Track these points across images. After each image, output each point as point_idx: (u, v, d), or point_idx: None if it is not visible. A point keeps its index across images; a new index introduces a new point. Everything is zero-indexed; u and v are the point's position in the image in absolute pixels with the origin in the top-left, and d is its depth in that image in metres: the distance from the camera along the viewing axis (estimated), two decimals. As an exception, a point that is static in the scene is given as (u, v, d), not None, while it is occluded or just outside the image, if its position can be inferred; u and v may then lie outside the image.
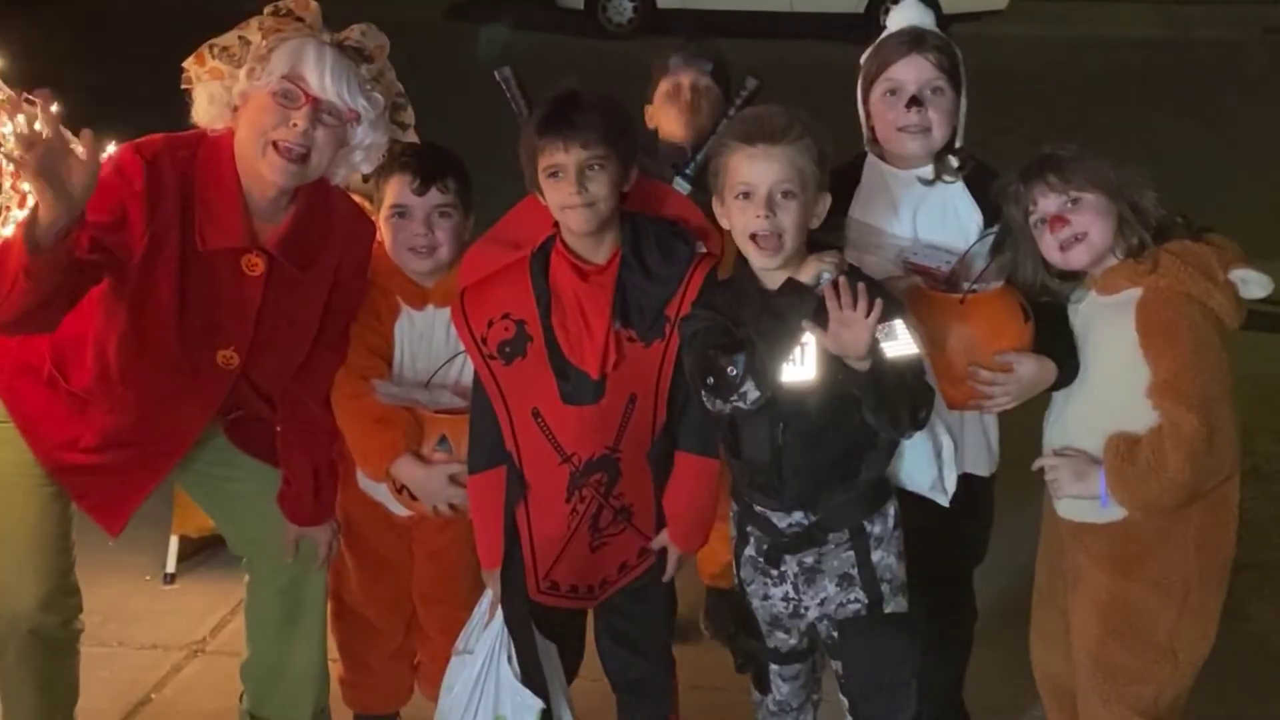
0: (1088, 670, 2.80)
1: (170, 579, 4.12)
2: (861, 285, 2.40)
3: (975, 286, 2.72)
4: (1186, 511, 2.65)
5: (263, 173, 2.62)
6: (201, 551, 4.14)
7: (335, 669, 3.20)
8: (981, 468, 2.95)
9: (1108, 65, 12.82)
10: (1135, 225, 2.64)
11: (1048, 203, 2.66)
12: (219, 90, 2.65)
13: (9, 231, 3.26)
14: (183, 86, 2.69)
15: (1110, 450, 2.63)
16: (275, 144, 2.59)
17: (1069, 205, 2.65)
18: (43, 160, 2.27)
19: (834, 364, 2.48)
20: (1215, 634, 2.76)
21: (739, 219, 2.53)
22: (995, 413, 2.86)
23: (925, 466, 2.72)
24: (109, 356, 2.66)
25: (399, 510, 2.98)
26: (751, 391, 2.50)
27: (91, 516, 2.85)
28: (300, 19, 2.66)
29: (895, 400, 2.46)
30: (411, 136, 2.87)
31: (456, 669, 2.86)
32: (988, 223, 2.82)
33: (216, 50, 2.65)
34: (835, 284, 2.40)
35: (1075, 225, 2.64)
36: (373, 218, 2.97)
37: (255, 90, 2.61)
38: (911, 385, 2.48)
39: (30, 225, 2.33)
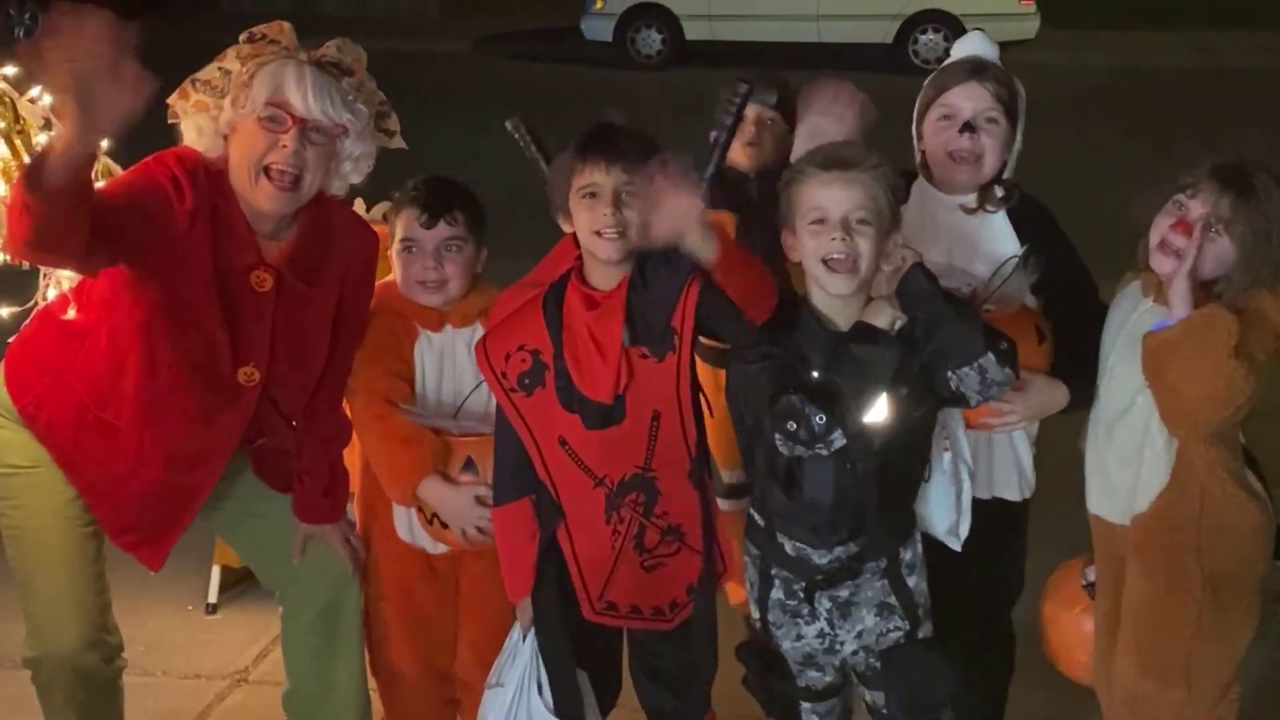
0: (1116, 704, 2.84)
1: (212, 609, 4.15)
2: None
3: (990, 307, 2.74)
4: (1211, 535, 2.66)
5: (259, 202, 2.68)
6: (243, 582, 4.17)
7: (375, 699, 3.20)
8: (1012, 492, 2.93)
9: (1136, 93, 12.81)
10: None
11: (1200, 209, 2.58)
12: (206, 122, 2.70)
13: None
14: (169, 121, 2.74)
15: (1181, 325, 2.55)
16: (268, 170, 2.65)
17: (1209, 229, 2.57)
18: (81, 75, 2.15)
19: (904, 402, 2.48)
20: (1238, 664, 2.75)
21: (811, 244, 2.52)
22: (1007, 432, 2.84)
23: (946, 510, 2.74)
24: (140, 376, 2.70)
25: (436, 549, 3.00)
26: (838, 440, 2.46)
27: (131, 553, 2.88)
28: (276, 42, 2.71)
29: (959, 314, 2.46)
30: (399, 143, 2.90)
31: (490, 702, 2.87)
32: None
33: (199, 85, 2.70)
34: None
35: (1195, 244, 2.56)
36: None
37: (242, 118, 2.66)
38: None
39: (38, 160, 2.29)
